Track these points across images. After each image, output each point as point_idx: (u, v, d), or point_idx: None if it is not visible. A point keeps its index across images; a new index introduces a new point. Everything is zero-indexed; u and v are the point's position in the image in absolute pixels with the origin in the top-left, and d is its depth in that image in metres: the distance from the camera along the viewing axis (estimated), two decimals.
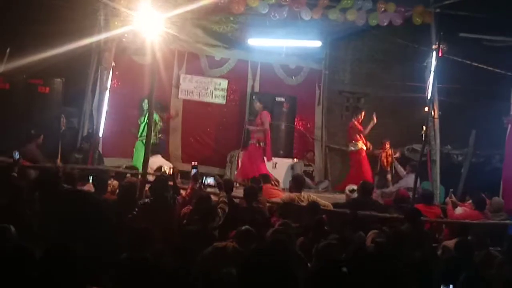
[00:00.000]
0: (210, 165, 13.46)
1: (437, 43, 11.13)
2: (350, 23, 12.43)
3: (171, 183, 8.32)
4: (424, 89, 12.10)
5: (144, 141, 10.67)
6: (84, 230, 6.18)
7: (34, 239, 5.71)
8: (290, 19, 12.19)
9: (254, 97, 13.71)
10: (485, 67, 11.65)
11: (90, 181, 8.84)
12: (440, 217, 9.70)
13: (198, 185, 8.29)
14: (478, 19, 12.02)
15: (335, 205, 9.57)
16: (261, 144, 12.60)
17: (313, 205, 8.46)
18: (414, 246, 7.01)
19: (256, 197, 8.43)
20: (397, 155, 13.89)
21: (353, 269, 5.75)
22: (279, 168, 13.17)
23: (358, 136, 13.31)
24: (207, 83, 14.16)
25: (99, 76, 12.33)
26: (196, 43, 13.50)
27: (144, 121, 12.10)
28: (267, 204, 8.77)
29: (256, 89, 14.50)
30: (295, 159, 13.83)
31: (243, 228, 6.52)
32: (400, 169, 13.27)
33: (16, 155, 8.65)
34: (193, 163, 8.70)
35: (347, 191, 10.21)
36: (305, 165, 13.94)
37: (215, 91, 14.16)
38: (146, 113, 11.50)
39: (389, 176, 13.63)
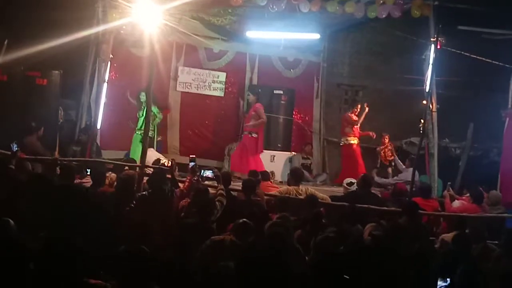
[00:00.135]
0: (208, 158, 13.45)
1: (435, 35, 11.10)
2: (349, 15, 12.41)
3: (169, 175, 8.32)
4: (422, 82, 12.10)
5: (142, 134, 10.67)
6: (77, 225, 6.18)
7: (32, 232, 5.72)
8: (288, 12, 12.17)
9: (247, 89, 13.69)
10: (483, 59, 11.63)
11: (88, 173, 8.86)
12: (438, 210, 9.71)
13: (196, 178, 8.28)
14: (476, 12, 12.03)
15: (333, 198, 9.58)
16: (253, 135, 12.59)
17: (311, 198, 8.46)
18: (411, 239, 7.02)
19: (254, 190, 8.43)
20: (395, 152, 13.85)
21: (350, 262, 5.77)
22: (277, 161, 13.18)
23: (350, 129, 13.27)
24: (205, 75, 14.14)
25: (97, 68, 12.33)
26: (194, 35, 13.45)
27: (142, 114, 12.09)
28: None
29: (254, 81, 14.48)
30: (293, 152, 13.82)
31: (241, 221, 6.53)
32: (400, 163, 13.26)
33: (14, 147, 8.64)
34: (191, 156, 8.69)
35: (345, 184, 10.24)
36: (303, 158, 13.93)
37: (213, 83, 14.14)
38: (144, 106, 11.50)
39: (389, 170, 13.62)
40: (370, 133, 13.49)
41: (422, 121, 10.74)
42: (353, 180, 10.23)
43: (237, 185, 9.16)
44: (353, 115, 13.33)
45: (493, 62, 11.68)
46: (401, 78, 14.07)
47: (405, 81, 13.86)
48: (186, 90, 14.07)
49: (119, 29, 12.10)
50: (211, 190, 8.01)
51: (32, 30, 11.41)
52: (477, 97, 13.33)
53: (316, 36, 13.93)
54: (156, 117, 12.75)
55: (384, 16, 12.15)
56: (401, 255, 6.39)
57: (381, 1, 12.00)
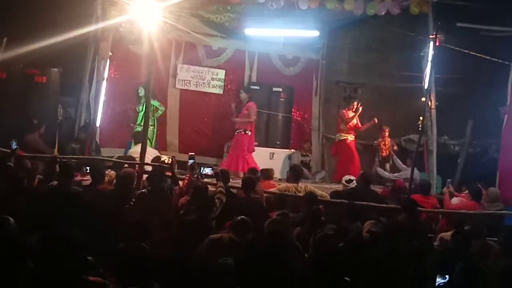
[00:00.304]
0: (208, 155, 13.47)
1: (434, 32, 11.11)
2: (348, 12, 12.44)
3: (169, 173, 8.33)
4: (421, 79, 12.12)
5: (142, 129, 10.68)
6: (75, 223, 6.19)
7: (32, 230, 5.73)
8: (287, 9, 12.19)
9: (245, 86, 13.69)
10: (482, 56, 11.64)
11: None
12: (437, 207, 9.71)
13: (195, 176, 8.28)
14: (475, 9, 12.03)
15: (333, 194, 9.56)
16: (247, 132, 12.59)
17: (310, 195, 8.47)
18: (410, 236, 7.03)
19: (254, 187, 8.43)
20: (395, 148, 13.82)
21: (350, 259, 5.79)
22: (276, 159, 13.19)
23: (344, 125, 13.22)
24: (204, 73, 14.13)
25: (96, 66, 12.35)
26: (193, 33, 13.45)
27: (142, 110, 12.10)
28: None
29: (253, 79, 14.47)
30: (292, 150, 13.82)
31: (239, 218, 6.54)
32: (399, 162, 13.24)
33: (13, 144, 8.64)
34: (190, 153, 8.70)
35: (344, 182, 10.24)
36: (302, 155, 13.92)
37: (212, 81, 14.14)
38: (144, 102, 11.52)
39: (387, 165, 13.60)
40: (372, 121, 13.38)
41: (421, 118, 10.74)
42: (352, 177, 10.24)
43: (235, 182, 9.17)
44: (349, 111, 13.26)
45: (492, 59, 11.69)
46: (400, 75, 14.06)
47: (404, 78, 13.85)
48: (185, 87, 14.08)
49: (118, 26, 12.11)
50: (210, 188, 8.01)
51: (31, 28, 11.39)
52: (476, 94, 13.32)
53: (315, 33, 13.91)
54: (158, 109, 12.80)
55: (383, 13, 12.18)
56: (400, 252, 6.40)
57: None
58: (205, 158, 12.94)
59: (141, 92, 12.39)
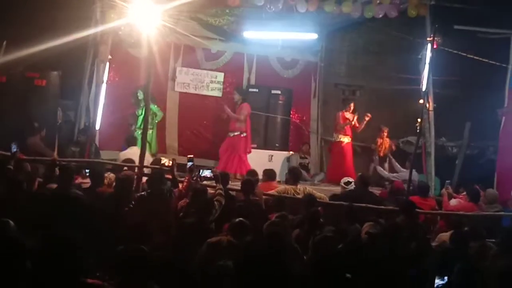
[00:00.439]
0: (207, 157, 13.47)
1: (432, 35, 11.17)
2: (346, 15, 12.47)
3: (169, 175, 8.35)
4: (419, 81, 12.14)
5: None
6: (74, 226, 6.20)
7: (31, 232, 5.75)
8: (285, 12, 12.21)
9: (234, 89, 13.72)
10: (479, 59, 11.67)
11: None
12: (435, 209, 9.75)
13: (194, 178, 8.31)
14: (472, 11, 12.06)
15: (332, 196, 9.60)
16: (243, 134, 12.62)
17: (309, 197, 8.50)
18: (408, 238, 7.06)
19: (253, 190, 8.46)
20: (393, 148, 13.84)
21: (349, 261, 5.81)
22: (275, 161, 13.19)
23: (341, 127, 13.25)
24: (203, 76, 14.16)
25: (95, 69, 12.36)
26: (192, 36, 13.48)
27: (141, 113, 12.13)
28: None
29: (252, 81, 14.51)
30: (291, 152, 13.85)
31: (236, 220, 6.56)
32: (396, 164, 13.25)
33: (13, 148, 8.67)
34: (189, 156, 8.72)
35: (342, 184, 10.27)
36: (300, 157, 13.95)
37: (211, 84, 14.16)
38: (143, 106, 11.54)
39: (385, 165, 13.61)
40: (366, 119, 13.34)
41: (419, 120, 10.77)
42: (351, 179, 10.27)
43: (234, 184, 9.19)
44: (346, 113, 13.30)
45: (489, 61, 11.72)
46: (397, 78, 14.10)
47: (401, 81, 13.88)
48: (184, 90, 14.10)
49: (117, 30, 12.12)
50: (209, 190, 8.04)
51: (30, 31, 11.41)
52: (474, 96, 13.35)
53: (313, 36, 13.94)
54: (156, 115, 12.82)
55: (381, 16, 12.21)
56: (399, 254, 6.43)
57: (378, 1, 12.06)
58: (204, 161, 12.94)
59: (140, 95, 12.41)
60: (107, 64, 12.35)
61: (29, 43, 10.70)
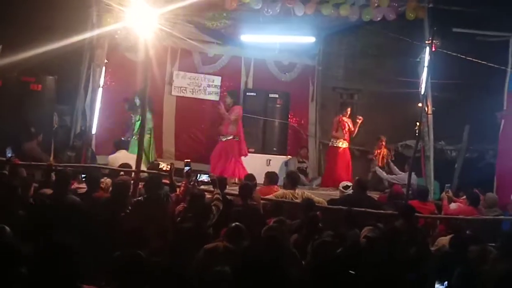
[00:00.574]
0: (204, 162, 13.40)
1: (430, 38, 11.12)
2: (344, 18, 12.44)
3: (166, 180, 8.30)
4: (417, 85, 12.12)
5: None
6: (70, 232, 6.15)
7: (27, 238, 5.69)
8: (283, 15, 12.18)
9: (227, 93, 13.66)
10: (478, 61, 11.64)
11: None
12: (434, 213, 9.70)
13: (191, 183, 8.25)
14: (471, 14, 12.04)
15: (330, 201, 9.55)
16: (236, 138, 12.56)
17: (308, 202, 8.44)
18: (408, 242, 7.01)
19: (251, 194, 8.40)
20: (391, 155, 13.77)
21: (348, 266, 5.76)
22: (273, 165, 13.14)
23: (338, 132, 13.19)
24: (201, 79, 14.13)
25: (91, 73, 12.28)
26: (189, 39, 13.44)
27: (138, 119, 12.07)
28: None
29: (250, 85, 14.47)
30: (288, 156, 13.80)
31: (233, 225, 6.51)
32: (395, 168, 13.20)
33: (8, 152, 8.62)
34: (186, 160, 8.67)
35: (341, 188, 10.22)
36: (299, 161, 13.91)
37: (208, 88, 14.13)
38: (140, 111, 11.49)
39: (384, 172, 13.56)
40: (358, 122, 13.27)
41: (417, 123, 10.73)
42: (349, 183, 10.22)
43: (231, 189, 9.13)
44: (344, 118, 13.25)
45: (488, 64, 11.69)
46: (396, 81, 14.05)
47: (400, 84, 13.84)
48: (181, 94, 14.06)
49: (113, 34, 12.06)
50: (207, 195, 7.98)
51: (26, 36, 11.37)
52: (472, 99, 13.33)
53: (311, 39, 13.91)
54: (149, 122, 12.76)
55: (379, 18, 12.19)
56: (398, 258, 6.37)
57: (376, 4, 12.04)
58: (201, 165, 12.88)
59: (138, 102, 12.34)
60: (103, 68, 12.29)
61: (25, 47, 10.67)
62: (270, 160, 13.31)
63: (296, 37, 13.80)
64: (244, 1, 11.67)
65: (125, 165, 9.75)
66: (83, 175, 9.27)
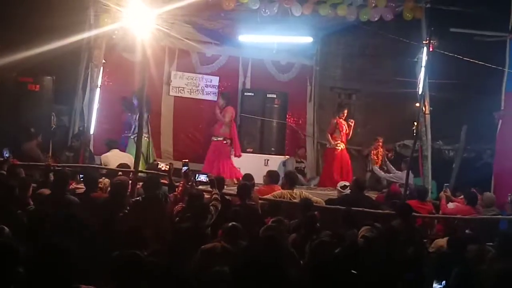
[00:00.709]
0: (202, 162, 13.39)
1: (427, 38, 11.13)
2: (341, 18, 12.42)
3: (165, 180, 8.30)
4: (415, 84, 12.13)
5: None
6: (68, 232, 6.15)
7: (25, 238, 5.69)
8: (281, 15, 12.17)
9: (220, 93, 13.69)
10: (475, 61, 11.65)
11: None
12: (432, 213, 9.72)
13: (190, 183, 8.25)
14: (468, 14, 12.06)
15: (328, 201, 9.56)
16: (226, 141, 12.58)
17: (306, 201, 8.45)
18: (405, 242, 7.02)
19: (249, 194, 8.40)
20: (390, 155, 13.78)
21: (346, 266, 5.76)
22: (271, 165, 13.13)
23: (335, 133, 13.15)
24: (198, 80, 14.14)
25: (89, 73, 12.27)
26: (186, 40, 13.44)
27: (136, 119, 12.06)
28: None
29: (248, 85, 14.48)
30: (286, 156, 13.80)
31: (229, 225, 6.51)
32: (392, 168, 13.20)
33: (6, 153, 8.61)
34: (183, 160, 8.67)
35: (338, 187, 10.23)
36: (297, 161, 13.90)
37: (206, 88, 14.13)
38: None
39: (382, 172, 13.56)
40: (350, 124, 13.23)
41: (415, 123, 10.74)
42: (347, 183, 10.24)
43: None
44: (341, 119, 13.20)
45: (486, 64, 11.70)
46: (393, 81, 14.06)
47: (397, 84, 13.85)
48: (179, 94, 14.06)
49: (111, 34, 12.05)
50: (205, 195, 7.98)
51: (24, 36, 11.36)
52: (470, 99, 13.35)
53: (308, 39, 13.93)
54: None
55: (376, 19, 12.18)
56: (395, 257, 6.38)
57: (373, 4, 12.02)
58: (199, 165, 12.86)
59: (136, 102, 12.34)
60: (101, 68, 12.28)
61: (23, 48, 10.67)
62: (268, 160, 13.33)
63: (294, 37, 13.81)
64: (242, 1, 11.66)
65: (123, 165, 9.76)
66: (81, 175, 9.25)
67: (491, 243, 7.46)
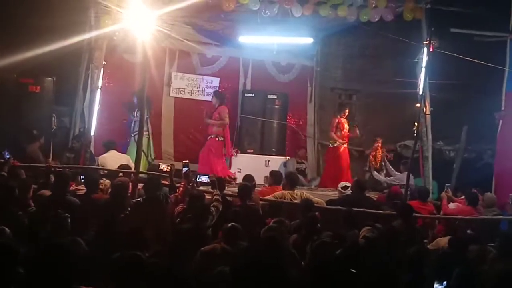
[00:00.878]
0: None
1: (428, 38, 11.14)
2: (341, 19, 12.44)
3: (165, 181, 8.30)
4: (415, 85, 12.13)
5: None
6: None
7: (26, 239, 5.69)
8: (281, 16, 12.18)
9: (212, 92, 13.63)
10: (476, 62, 11.65)
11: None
12: (433, 213, 9.71)
13: (191, 184, 8.25)
14: (468, 14, 12.05)
15: (329, 201, 9.56)
16: (220, 138, 12.56)
17: (306, 202, 8.45)
18: (406, 242, 7.02)
19: (250, 195, 8.40)
20: (389, 156, 13.76)
21: (347, 266, 5.75)
22: (272, 166, 13.09)
23: (337, 133, 13.15)
24: (199, 81, 14.11)
25: (90, 74, 12.28)
26: (187, 41, 13.44)
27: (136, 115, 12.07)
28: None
29: (248, 86, 14.47)
30: (287, 157, 13.79)
31: (229, 225, 6.51)
32: (391, 169, 13.19)
33: (6, 154, 8.62)
34: (184, 161, 8.67)
35: (339, 188, 10.23)
36: (297, 162, 13.88)
37: (206, 89, 14.10)
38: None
39: (381, 174, 13.54)
40: (356, 133, 13.36)
41: (415, 124, 10.74)
42: (348, 184, 10.24)
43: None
44: (342, 119, 13.20)
45: (486, 64, 11.70)
46: (394, 81, 14.06)
47: (398, 84, 13.84)
48: (180, 95, 14.05)
49: (112, 35, 12.06)
50: (206, 196, 7.99)
51: (25, 37, 11.37)
52: (470, 99, 13.34)
53: (309, 40, 13.91)
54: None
55: (376, 19, 12.19)
56: (396, 258, 6.38)
57: (374, 5, 12.04)
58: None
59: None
60: (102, 69, 12.28)
61: (23, 49, 10.67)
62: (268, 161, 13.31)
63: (294, 38, 13.80)
64: (242, 2, 11.66)
65: (124, 166, 9.76)
66: (82, 177, 9.25)
67: (492, 244, 7.45)
